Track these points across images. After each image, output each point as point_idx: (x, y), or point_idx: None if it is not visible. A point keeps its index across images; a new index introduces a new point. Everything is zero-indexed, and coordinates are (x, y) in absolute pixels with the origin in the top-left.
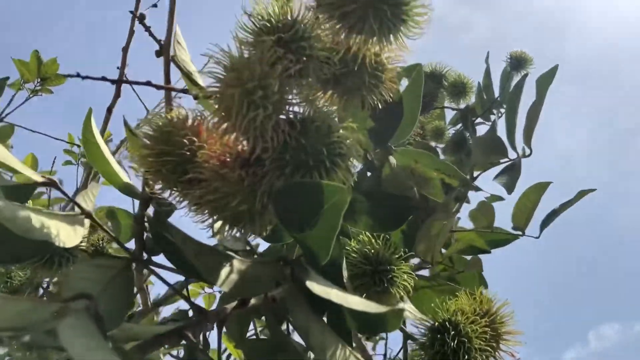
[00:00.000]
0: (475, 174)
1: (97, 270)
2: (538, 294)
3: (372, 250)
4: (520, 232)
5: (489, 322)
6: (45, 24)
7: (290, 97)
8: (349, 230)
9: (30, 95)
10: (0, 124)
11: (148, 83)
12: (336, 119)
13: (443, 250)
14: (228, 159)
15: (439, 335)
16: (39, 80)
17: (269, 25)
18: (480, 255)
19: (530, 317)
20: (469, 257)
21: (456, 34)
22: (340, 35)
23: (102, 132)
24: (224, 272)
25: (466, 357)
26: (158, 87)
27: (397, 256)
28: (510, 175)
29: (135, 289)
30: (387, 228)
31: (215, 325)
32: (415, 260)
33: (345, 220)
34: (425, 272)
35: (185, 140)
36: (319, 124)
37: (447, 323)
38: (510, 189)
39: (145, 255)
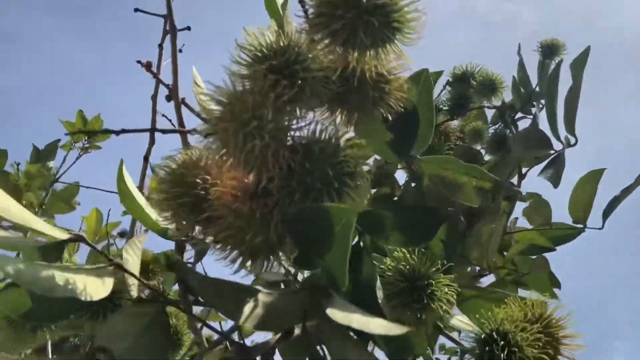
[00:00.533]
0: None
1: (129, 320)
2: (608, 288)
3: (407, 266)
4: (580, 225)
5: (543, 327)
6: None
7: (289, 122)
8: (385, 248)
9: (81, 154)
10: (62, 184)
11: (174, 130)
12: (344, 138)
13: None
14: (239, 193)
15: (487, 348)
16: (86, 138)
17: (260, 54)
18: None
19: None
20: (534, 257)
21: (503, 30)
22: (335, 53)
23: (141, 180)
24: (248, 307)
25: None
26: (176, 132)
27: (434, 269)
28: (555, 167)
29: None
30: (419, 241)
31: None
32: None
33: (376, 237)
34: (490, 279)
35: (198, 180)
36: (324, 145)
37: (494, 333)
38: (555, 182)
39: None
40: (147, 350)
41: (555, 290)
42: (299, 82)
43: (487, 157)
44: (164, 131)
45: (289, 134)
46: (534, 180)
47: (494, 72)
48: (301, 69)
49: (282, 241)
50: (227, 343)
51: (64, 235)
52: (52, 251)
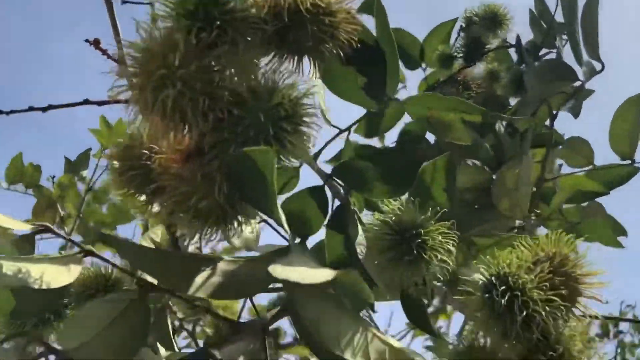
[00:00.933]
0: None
1: (104, 306)
2: None
3: (394, 218)
4: (629, 161)
5: (556, 266)
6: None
7: (208, 68)
8: (378, 205)
9: None
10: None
11: (108, 102)
12: (284, 81)
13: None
14: (177, 157)
15: (486, 295)
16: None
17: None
18: None
19: None
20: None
21: None
22: None
23: None
24: (201, 277)
25: (524, 312)
26: (109, 103)
27: (423, 217)
28: (577, 97)
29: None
30: (403, 187)
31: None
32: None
33: (360, 191)
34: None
35: (144, 151)
36: (258, 90)
37: (493, 278)
38: (576, 113)
39: None
40: (120, 336)
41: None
42: (218, 23)
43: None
44: (99, 103)
45: (214, 82)
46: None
47: (496, 4)
48: (218, 12)
49: (232, 201)
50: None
51: (27, 227)
52: (24, 244)
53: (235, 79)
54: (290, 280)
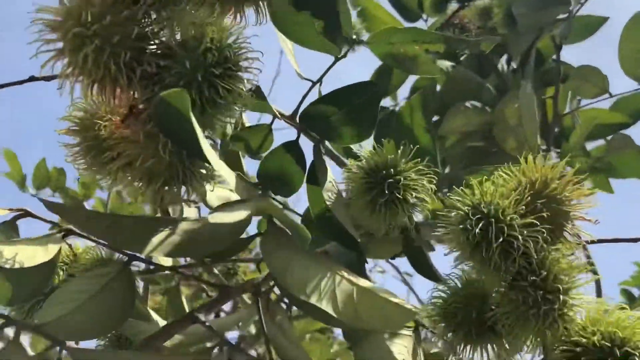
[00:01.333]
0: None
1: (86, 281)
2: None
3: (364, 161)
4: None
5: (538, 190)
6: None
7: (131, 21)
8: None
9: None
10: None
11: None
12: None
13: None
14: (118, 120)
15: (461, 226)
16: None
17: None
18: None
19: None
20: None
21: None
22: None
23: None
24: (158, 237)
25: (500, 239)
26: (47, 79)
27: (393, 157)
28: (566, 20)
29: None
30: (369, 127)
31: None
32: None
33: (329, 138)
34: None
35: (95, 121)
36: (186, 40)
37: (467, 208)
38: (564, 36)
39: None
40: (102, 309)
41: None
42: None
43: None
44: (46, 78)
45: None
46: None
47: None
48: None
49: (183, 159)
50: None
51: (5, 212)
52: (7, 230)
53: (170, 32)
54: (224, 222)
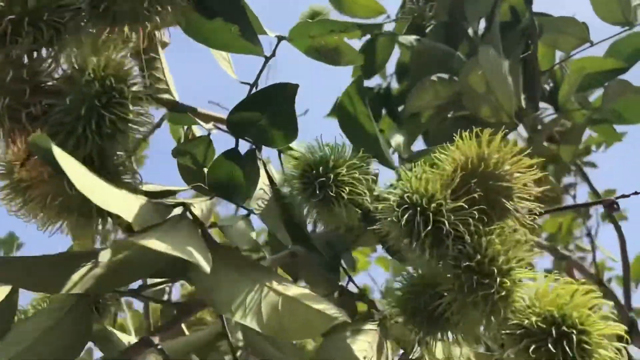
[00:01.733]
0: None
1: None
2: None
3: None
4: (627, 26)
5: (474, 169)
6: None
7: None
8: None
9: None
10: None
11: None
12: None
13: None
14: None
15: (389, 219)
16: None
17: None
18: None
19: None
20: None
21: None
22: None
23: None
24: (79, 274)
25: (428, 227)
26: None
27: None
28: None
29: None
30: (292, 128)
31: None
32: None
33: (267, 145)
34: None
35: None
36: (74, 74)
37: (395, 199)
38: None
39: None
40: (54, 345)
41: None
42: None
43: None
44: None
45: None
46: None
47: None
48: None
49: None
50: None
51: None
52: None
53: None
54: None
